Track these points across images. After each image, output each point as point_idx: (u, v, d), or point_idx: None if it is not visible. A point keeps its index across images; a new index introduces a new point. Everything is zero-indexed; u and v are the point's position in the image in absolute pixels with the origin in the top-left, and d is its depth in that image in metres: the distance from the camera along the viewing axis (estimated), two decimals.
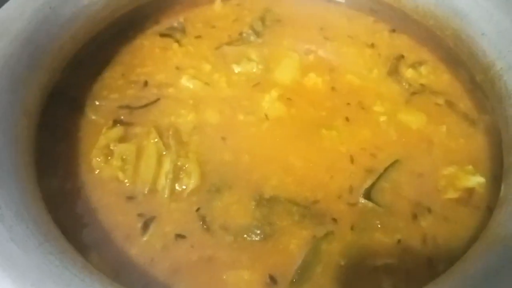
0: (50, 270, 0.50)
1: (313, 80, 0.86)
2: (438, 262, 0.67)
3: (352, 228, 0.69)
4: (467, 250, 0.62)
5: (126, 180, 0.71)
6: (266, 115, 0.80)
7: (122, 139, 0.75)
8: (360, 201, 0.72)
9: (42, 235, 0.53)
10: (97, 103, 0.81)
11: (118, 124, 0.77)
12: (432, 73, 0.89)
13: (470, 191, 0.73)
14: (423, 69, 0.89)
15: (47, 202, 0.63)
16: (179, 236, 0.67)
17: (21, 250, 0.51)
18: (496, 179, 0.74)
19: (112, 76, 0.85)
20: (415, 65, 0.89)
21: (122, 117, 0.79)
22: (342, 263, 0.66)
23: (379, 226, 0.69)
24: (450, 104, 0.84)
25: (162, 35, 0.93)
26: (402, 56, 0.91)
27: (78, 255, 0.54)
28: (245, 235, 0.67)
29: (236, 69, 0.87)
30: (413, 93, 0.85)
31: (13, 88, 0.66)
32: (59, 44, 0.76)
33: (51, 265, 0.50)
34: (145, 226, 0.67)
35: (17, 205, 0.55)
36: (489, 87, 0.76)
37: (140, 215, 0.69)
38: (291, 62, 0.89)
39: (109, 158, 0.73)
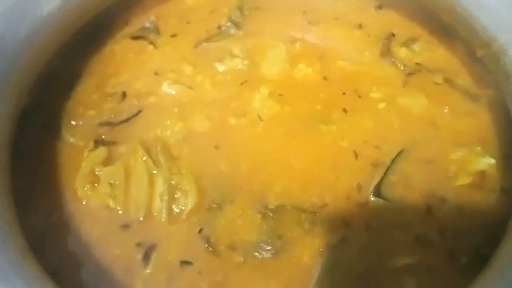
0: None
1: (303, 71, 0.80)
2: (460, 253, 0.64)
3: (366, 229, 0.65)
4: (488, 238, 0.61)
5: (118, 208, 0.66)
6: (259, 116, 0.75)
7: (106, 162, 0.69)
8: (370, 199, 0.68)
9: None
10: (73, 123, 0.74)
11: (100, 145, 0.71)
12: (426, 50, 0.84)
13: (481, 174, 0.70)
14: (416, 47, 0.84)
15: (32, 243, 0.58)
16: (185, 263, 0.62)
17: None
18: (506, 158, 0.71)
19: (85, 90, 0.78)
20: (407, 43, 0.84)
21: (103, 136, 0.72)
22: (361, 269, 0.63)
23: (394, 223, 0.66)
24: (449, 81, 0.80)
25: (134, 37, 0.85)
26: (393, 34, 0.85)
27: None
28: (255, 253, 0.63)
29: (220, 67, 0.81)
30: (410, 74, 0.81)
31: None
32: (21, 63, 0.69)
33: None
34: (146, 256, 0.63)
35: None
36: (493, 63, 0.72)
37: (138, 244, 0.64)
38: (277, 53, 0.83)
39: (96, 185, 0.67)
